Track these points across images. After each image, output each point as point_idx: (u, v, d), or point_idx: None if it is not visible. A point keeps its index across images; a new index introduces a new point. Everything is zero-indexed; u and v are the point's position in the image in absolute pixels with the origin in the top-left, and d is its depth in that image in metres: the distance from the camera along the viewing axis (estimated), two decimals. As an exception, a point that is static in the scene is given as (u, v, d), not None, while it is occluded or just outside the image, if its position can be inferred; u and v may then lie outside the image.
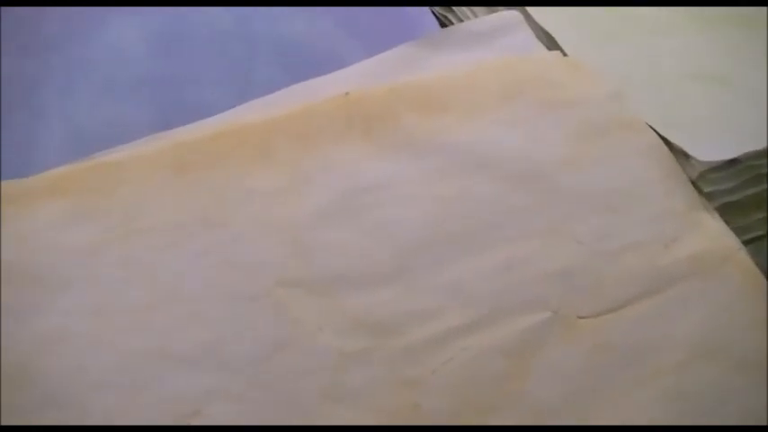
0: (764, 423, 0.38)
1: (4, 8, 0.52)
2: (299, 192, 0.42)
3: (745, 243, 0.47)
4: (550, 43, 0.51)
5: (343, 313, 0.39)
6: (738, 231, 0.47)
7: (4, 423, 0.35)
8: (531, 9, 0.53)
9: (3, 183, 0.41)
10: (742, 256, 0.42)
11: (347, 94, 0.45)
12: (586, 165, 0.44)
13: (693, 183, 0.45)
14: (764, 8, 0.56)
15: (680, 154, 0.45)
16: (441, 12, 0.60)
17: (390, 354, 0.38)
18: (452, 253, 0.41)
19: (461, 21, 0.58)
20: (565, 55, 0.50)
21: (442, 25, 0.59)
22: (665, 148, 0.45)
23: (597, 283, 0.40)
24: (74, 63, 0.52)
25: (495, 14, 0.52)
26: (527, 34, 0.51)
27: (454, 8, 0.59)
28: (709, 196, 0.45)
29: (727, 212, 0.46)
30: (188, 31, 0.54)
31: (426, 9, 0.56)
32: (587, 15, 0.54)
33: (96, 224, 0.40)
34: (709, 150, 0.44)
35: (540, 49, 0.50)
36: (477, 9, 0.57)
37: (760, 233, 0.49)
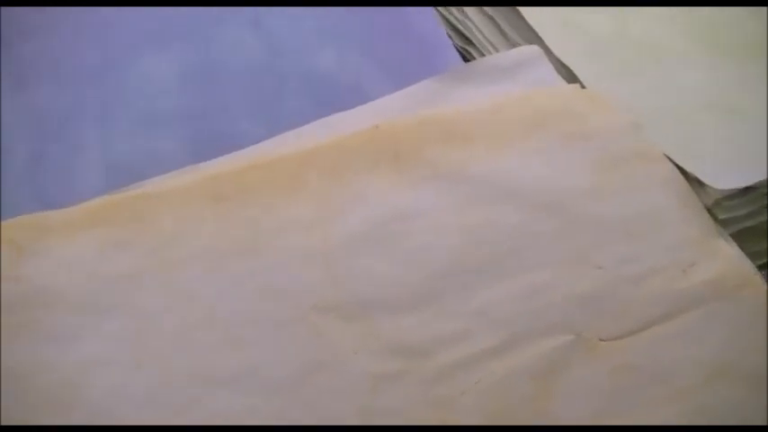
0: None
1: (42, 43, 0.54)
2: (331, 221, 0.43)
3: (760, 267, 0.49)
4: (570, 76, 0.53)
5: (376, 337, 0.40)
6: (754, 256, 0.48)
7: None
8: (550, 43, 0.54)
9: (45, 213, 0.43)
10: (758, 280, 0.43)
11: (377, 126, 0.46)
12: (607, 194, 0.45)
13: (709, 210, 0.46)
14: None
15: (695, 182, 0.46)
16: (461, 45, 0.62)
17: (422, 376, 0.40)
18: (479, 279, 0.42)
19: (482, 53, 0.59)
20: (584, 87, 0.51)
21: (464, 58, 0.61)
22: (681, 177, 0.46)
23: (618, 306, 0.42)
24: (110, 95, 0.53)
25: (516, 49, 0.54)
26: (547, 68, 0.52)
27: (474, 42, 0.60)
28: (724, 223, 0.46)
29: (743, 238, 0.47)
30: (219, 64, 0.55)
31: (449, 43, 0.57)
32: (605, 48, 0.56)
33: (135, 252, 0.42)
34: (724, 179, 0.46)
35: (560, 82, 0.52)
36: (495, 42, 0.59)
37: (774, 258, 0.51)
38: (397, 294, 0.42)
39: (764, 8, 0.60)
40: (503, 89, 0.51)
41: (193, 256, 0.42)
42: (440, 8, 0.63)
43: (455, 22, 0.62)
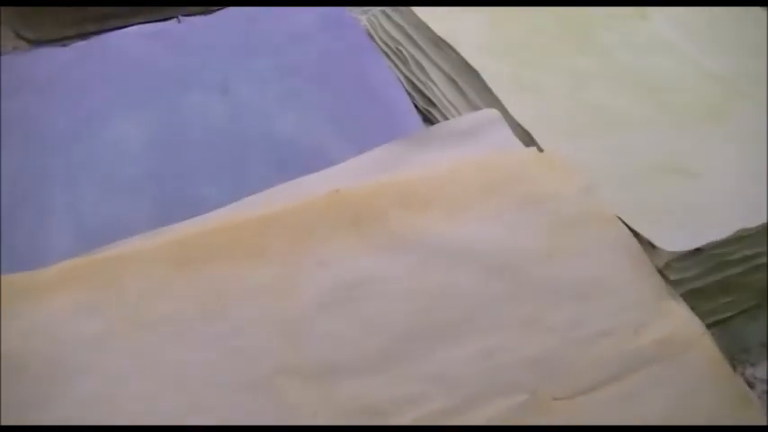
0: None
1: (9, 108, 0.55)
2: (293, 286, 0.44)
3: (713, 324, 0.50)
4: (527, 138, 0.54)
5: (336, 399, 0.41)
6: (705, 314, 0.49)
7: None
8: (509, 107, 0.56)
9: (15, 275, 0.44)
10: (706, 340, 0.44)
11: (337, 191, 0.48)
12: (560, 256, 0.46)
13: (660, 271, 0.47)
14: (730, 104, 0.59)
15: (648, 244, 0.47)
16: (424, 106, 0.63)
17: (380, 436, 0.41)
18: (436, 342, 0.43)
19: (443, 114, 0.61)
20: (541, 150, 0.53)
21: (426, 119, 0.62)
22: (633, 239, 0.48)
23: (570, 367, 0.43)
24: (79, 159, 0.55)
25: (475, 113, 0.55)
26: (505, 131, 0.54)
27: (436, 103, 0.62)
28: (675, 283, 0.47)
29: (694, 298, 0.49)
30: (184, 129, 0.57)
31: (410, 105, 0.59)
32: (561, 110, 0.57)
33: (103, 316, 0.43)
34: (675, 241, 0.47)
35: (517, 144, 0.53)
36: (456, 103, 0.60)
37: (726, 315, 0.52)
38: (357, 357, 0.43)
39: (717, 74, 0.62)
40: (461, 153, 0.52)
41: (160, 319, 0.43)
42: (402, 69, 0.64)
43: (418, 83, 0.64)
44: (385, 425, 0.41)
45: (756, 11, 0.72)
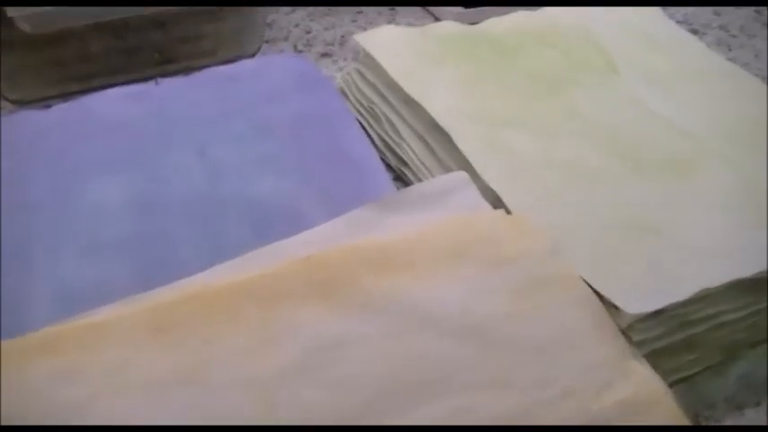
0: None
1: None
2: (267, 351, 0.46)
3: (677, 382, 0.52)
4: (496, 199, 0.56)
5: (308, 462, 0.42)
6: (669, 372, 0.51)
7: None
8: (478, 168, 0.57)
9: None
10: (668, 400, 0.46)
11: (309, 257, 0.49)
12: (526, 318, 0.48)
13: (623, 332, 0.48)
14: (699, 160, 0.61)
15: (610, 304, 0.48)
16: (397, 165, 0.65)
17: (352, 500, 0.42)
18: (406, 404, 0.44)
19: (415, 174, 0.62)
20: (508, 212, 0.54)
21: (399, 178, 0.64)
22: (596, 299, 0.49)
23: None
24: (59, 223, 0.56)
25: (444, 176, 0.57)
26: (473, 193, 0.55)
27: (408, 163, 0.63)
28: (638, 344, 0.48)
29: (658, 356, 0.50)
30: (163, 192, 0.58)
31: (381, 167, 0.60)
32: (530, 170, 0.59)
33: (83, 382, 0.44)
34: (637, 303, 0.48)
35: (485, 206, 0.55)
36: (428, 163, 0.62)
37: (691, 372, 0.53)
38: (330, 420, 0.44)
39: (686, 129, 0.63)
40: (431, 215, 0.53)
41: (138, 384, 0.44)
42: (375, 128, 0.66)
43: (391, 142, 0.65)
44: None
45: (728, 65, 0.73)
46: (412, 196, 0.55)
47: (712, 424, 0.52)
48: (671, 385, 0.50)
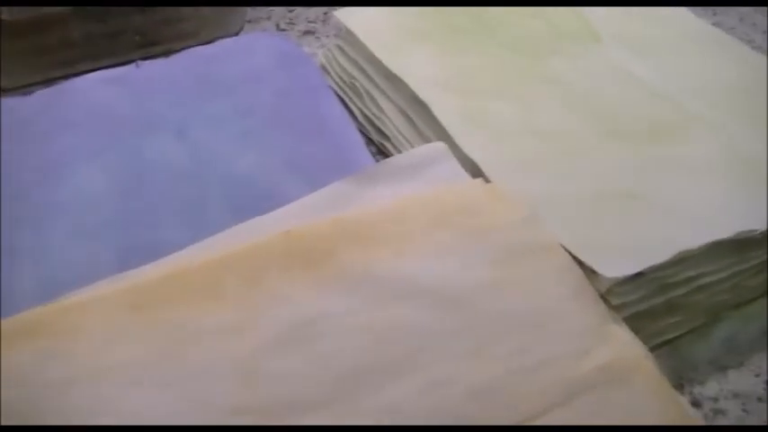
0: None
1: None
2: (248, 326, 0.46)
3: (660, 345, 0.52)
4: (476, 169, 0.56)
5: (290, 436, 0.42)
6: (652, 336, 0.51)
7: None
8: (457, 138, 0.57)
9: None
10: (647, 363, 0.46)
11: (289, 231, 0.49)
12: (505, 287, 0.48)
13: (603, 296, 0.48)
14: (682, 125, 0.61)
15: (589, 270, 0.49)
16: (378, 139, 0.65)
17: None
18: (387, 376, 0.45)
19: (396, 147, 0.62)
20: (487, 182, 0.54)
21: (379, 151, 0.64)
22: (575, 266, 0.49)
23: (515, 396, 0.44)
24: (43, 207, 0.56)
25: (422, 147, 0.57)
26: (452, 164, 0.55)
27: (389, 136, 0.63)
28: (618, 307, 0.49)
29: (640, 319, 0.50)
30: (145, 173, 0.58)
31: (362, 142, 0.60)
32: (509, 139, 0.59)
33: (65, 363, 0.44)
34: (615, 266, 0.48)
35: (464, 176, 0.55)
36: (408, 136, 0.62)
37: (673, 335, 0.53)
38: (311, 394, 0.44)
39: (669, 95, 0.63)
40: (410, 187, 0.53)
41: (119, 364, 0.44)
42: (357, 103, 0.66)
43: (372, 117, 0.65)
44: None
45: (712, 30, 0.73)
46: (390, 168, 0.55)
47: (695, 386, 0.52)
48: (654, 348, 0.50)
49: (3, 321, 0.45)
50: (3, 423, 0.41)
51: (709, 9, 0.89)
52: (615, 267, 0.48)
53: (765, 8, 0.89)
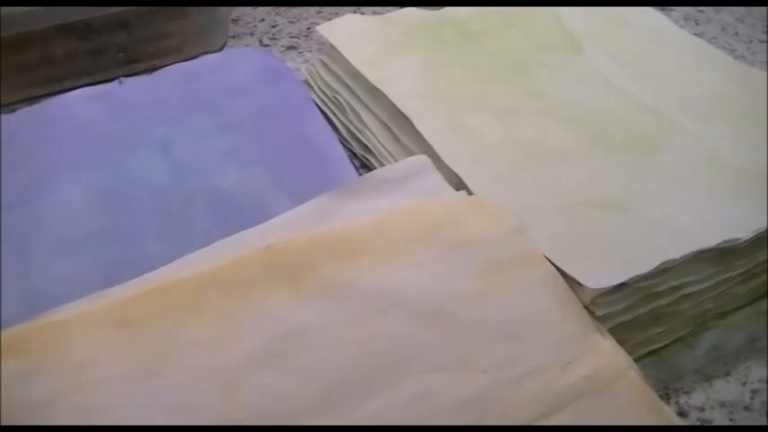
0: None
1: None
2: (231, 339, 0.46)
3: (646, 355, 0.52)
4: (458, 181, 0.56)
5: (274, 449, 0.42)
6: (638, 346, 0.51)
7: None
8: (440, 151, 0.57)
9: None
10: (631, 374, 0.46)
11: (270, 246, 0.49)
12: (489, 298, 0.48)
13: (587, 307, 0.48)
14: (663, 135, 0.61)
15: (573, 281, 0.49)
16: (361, 153, 0.65)
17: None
18: (371, 388, 0.44)
19: (379, 160, 0.62)
20: (470, 193, 0.54)
21: (364, 165, 0.64)
22: (559, 277, 0.49)
23: (501, 407, 0.44)
24: (26, 223, 0.56)
25: (405, 161, 0.57)
26: (435, 177, 0.55)
27: (372, 149, 0.63)
28: (603, 318, 0.49)
29: (625, 330, 0.50)
30: (129, 189, 0.58)
31: (345, 156, 0.60)
32: (493, 151, 0.59)
33: (50, 379, 0.44)
34: (599, 277, 0.48)
35: (448, 189, 0.55)
36: (391, 149, 0.62)
37: (659, 345, 0.53)
38: (295, 406, 0.44)
39: (650, 105, 0.63)
40: (392, 200, 0.53)
41: (104, 379, 0.44)
42: (340, 117, 0.66)
43: (355, 131, 0.65)
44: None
45: (695, 40, 0.73)
46: (373, 182, 0.55)
47: (681, 396, 0.52)
48: (639, 359, 0.50)
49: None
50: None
51: (692, 19, 0.90)
52: (599, 278, 0.48)
53: (746, 19, 0.89)
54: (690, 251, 0.50)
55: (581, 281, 0.48)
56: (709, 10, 0.92)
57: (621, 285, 0.48)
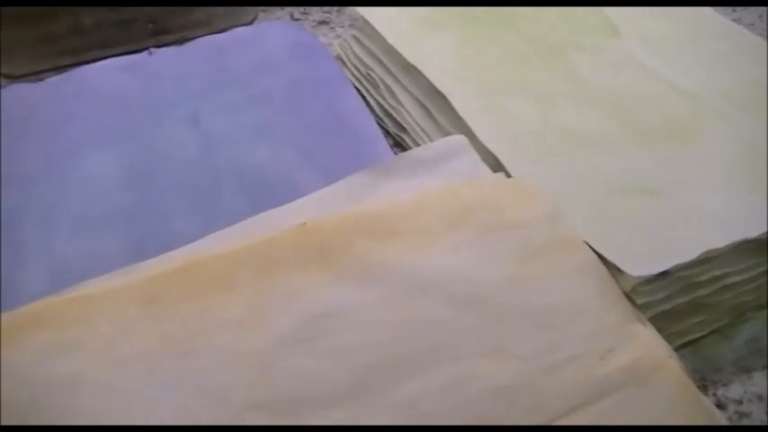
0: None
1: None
2: (262, 320, 0.44)
3: (684, 346, 0.51)
4: (495, 163, 0.54)
5: (305, 432, 0.41)
6: (675, 336, 0.50)
7: None
8: (477, 131, 0.56)
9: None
10: (672, 363, 0.44)
11: (304, 224, 0.48)
12: (527, 284, 0.47)
13: (627, 295, 0.47)
14: (701, 122, 0.59)
15: (615, 268, 0.47)
16: (396, 132, 0.64)
17: (349, 468, 0.41)
18: (404, 373, 0.43)
19: (414, 140, 0.61)
20: (508, 176, 0.53)
21: (398, 144, 0.63)
22: (600, 264, 0.48)
23: (537, 396, 0.43)
24: (52, 197, 0.55)
25: (442, 140, 0.55)
26: (472, 157, 0.54)
27: (407, 128, 0.62)
28: (643, 307, 0.47)
29: (664, 319, 0.49)
30: (157, 163, 0.57)
31: (380, 134, 0.59)
32: (530, 135, 0.57)
33: (76, 356, 0.43)
34: (641, 264, 0.47)
35: (485, 170, 0.53)
36: (427, 128, 0.61)
37: (697, 335, 0.52)
38: (326, 390, 0.43)
39: (688, 91, 0.62)
40: (429, 181, 0.52)
41: (132, 357, 0.43)
42: (373, 94, 0.65)
43: (389, 108, 0.64)
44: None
45: (732, 26, 0.72)
46: (409, 161, 0.54)
47: (719, 388, 0.51)
48: (677, 349, 0.49)
49: (11, 312, 0.44)
50: (8, 413, 0.40)
51: (729, 6, 0.88)
52: (640, 266, 0.47)
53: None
54: (733, 240, 0.49)
55: (623, 268, 0.47)
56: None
57: (663, 274, 0.47)
